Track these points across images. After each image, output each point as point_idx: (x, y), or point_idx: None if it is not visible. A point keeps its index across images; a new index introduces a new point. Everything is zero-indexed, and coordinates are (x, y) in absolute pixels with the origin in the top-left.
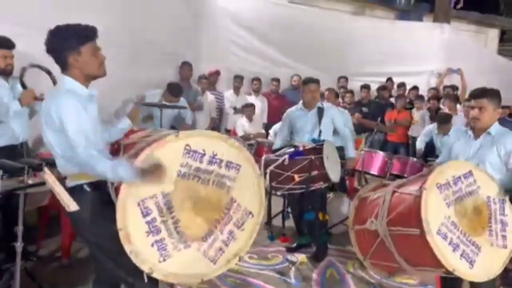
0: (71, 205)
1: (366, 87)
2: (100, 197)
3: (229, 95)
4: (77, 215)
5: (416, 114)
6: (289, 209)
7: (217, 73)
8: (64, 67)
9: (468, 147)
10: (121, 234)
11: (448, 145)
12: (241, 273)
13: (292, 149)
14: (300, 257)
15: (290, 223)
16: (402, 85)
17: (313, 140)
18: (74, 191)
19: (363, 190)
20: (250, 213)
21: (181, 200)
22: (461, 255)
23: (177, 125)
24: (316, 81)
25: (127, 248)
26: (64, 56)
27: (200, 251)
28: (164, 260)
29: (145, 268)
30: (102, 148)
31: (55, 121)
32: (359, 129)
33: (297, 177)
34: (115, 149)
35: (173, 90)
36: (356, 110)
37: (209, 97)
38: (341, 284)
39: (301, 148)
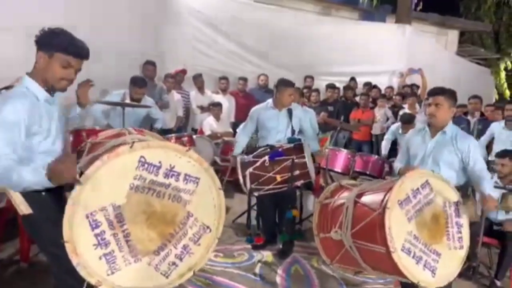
0: (24, 208)
1: (331, 86)
2: (55, 201)
3: (195, 94)
4: (30, 219)
5: (378, 113)
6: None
7: (183, 72)
8: (34, 66)
9: (424, 146)
10: (68, 247)
11: (406, 143)
12: (207, 272)
13: (269, 150)
14: (266, 254)
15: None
16: (366, 84)
17: (289, 139)
18: (28, 194)
19: (323, 195)
20: (208, 227)
21: (134, 213)
22: (424, 265)
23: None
24: (294, 84)
25: (74, 260)
26: (38, 52)
27: (152, 265)
28: (113, 273)
29: (92, 280)
30: (59, 150)
31: None
32: (324, 128)
33: (279, 178)
34: (79, 150)
35: (137, 81)
36: (322, 109)
37: (176, 96)
38: (306, 279)
39: (280, 149)
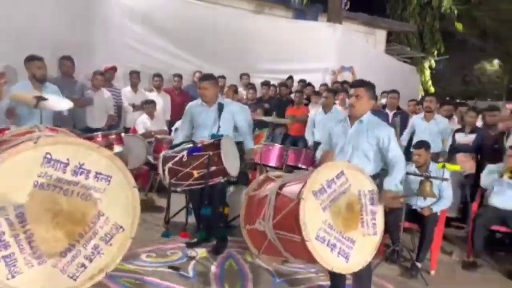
0: None
1: (266, 84)
2: None
3: (127, 91)
4: None
5: (312, 110)
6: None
7: (113, 69)
8: None
9: (344, 134)
10: None
11: (329, 132)
12: (137, 273)
13: (190, 145)
14: (200, 251)
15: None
16: (301, 81)
17: (212, 136)
18: None
19: (250, 187)
20: (121, 227)
21: (38, 213)
22: (338, 253)
23: (60, 121)
24: (209, 78)
25: None
26: None
27: (58, 267)
28: (13, 276)
29: None
30: None
31: None
32: (260, 124)
33: (196, 173)
34: None
35: (31, 57)
36: (257, 106)
37: (106, 94)
38: (239, 273)
39: (199, 144)
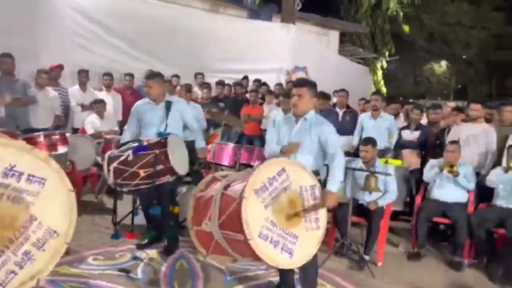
0: None
1: (221, 83)
2: None
3: (75, 91)
4: None
5: (267, 109)
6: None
7: (59, 67)
8: None
9: (290, 131)
10: None
11: (278, 127)
12: (82, 276)
13: (136, 144)
14: (151, 252)
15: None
16: (256, 81)
17: (159, 134)
18: None
19: (197, 188)
20: (55, 232)
21: None
22: (282, 249)
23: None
24: (154, 76)
25: None
26: None
27: None
28: None
29: None
30: None
31: None
32: (215, 123)
33: (142, 173)
34: None
35: None
36: (212, 106)
37: (51, 93)
38: (190, 272)
39: (145, 143)
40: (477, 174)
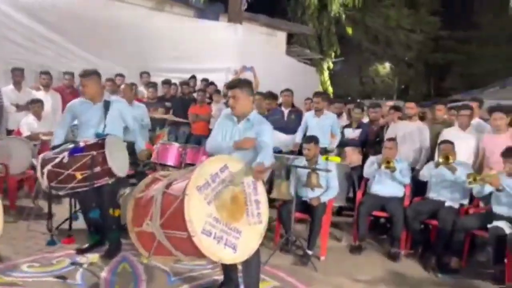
0: None
1: (167, 82)
2: None
3: (9, 90)
4: None
5: (214, 108)
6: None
7: None
8: None
9: (233, 131)
10: None
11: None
12: (14, 284)
13: (72, 146)
14: (92, 257)
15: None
16: (204, 80)
17: (97, 135)
18: None
19: (137, 189)
20: None
21: None
22: (225, 244)
23: None
24: (89, 74)
25: None
26: None
27: None
28: None
29: None
30: None
31: None
32: (161, 123)
33: (79, 175)
34: None
35: None
36: (159, 105)
37: None
38: (133, 275)
39: (82, 144)
40: (413, 169)
